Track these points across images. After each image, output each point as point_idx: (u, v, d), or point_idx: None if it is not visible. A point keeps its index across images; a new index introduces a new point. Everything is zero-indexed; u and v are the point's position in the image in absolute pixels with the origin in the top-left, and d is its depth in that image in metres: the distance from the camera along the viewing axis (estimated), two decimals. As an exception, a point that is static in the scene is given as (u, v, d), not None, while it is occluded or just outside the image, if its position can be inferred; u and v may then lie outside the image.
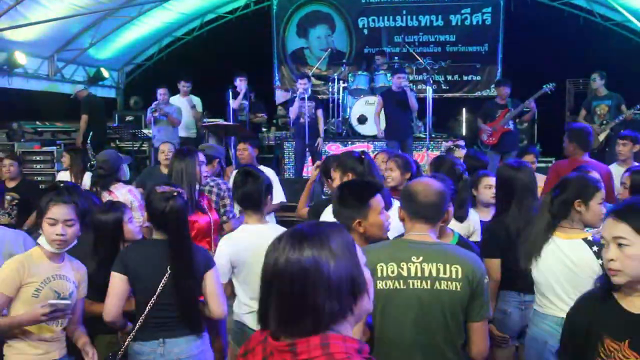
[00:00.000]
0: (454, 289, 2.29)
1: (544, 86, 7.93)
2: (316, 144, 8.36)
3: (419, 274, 2.30)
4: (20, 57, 9.30)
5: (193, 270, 2.80)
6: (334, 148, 9.21)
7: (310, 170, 8.08)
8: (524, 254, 2.88)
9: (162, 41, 12.81)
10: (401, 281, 2.31)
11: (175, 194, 2.90)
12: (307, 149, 8.46)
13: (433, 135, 9.18)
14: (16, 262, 2.69)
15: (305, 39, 12.67)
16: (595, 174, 3.56)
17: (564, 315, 2.24)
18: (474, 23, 11.86)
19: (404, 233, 2.52)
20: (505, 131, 8.06)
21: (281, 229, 2.43)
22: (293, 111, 8.42)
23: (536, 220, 2.89)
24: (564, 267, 2.76)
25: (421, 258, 2.32)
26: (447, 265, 2.31)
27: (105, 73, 11.64)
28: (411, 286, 2.30)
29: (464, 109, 11.82)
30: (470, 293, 2.31)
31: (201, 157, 4.06)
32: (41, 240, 2.75)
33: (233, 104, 8.64)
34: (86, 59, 11.28)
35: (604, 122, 8.12)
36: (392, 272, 2.32)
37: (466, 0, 11.82)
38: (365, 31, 12.33)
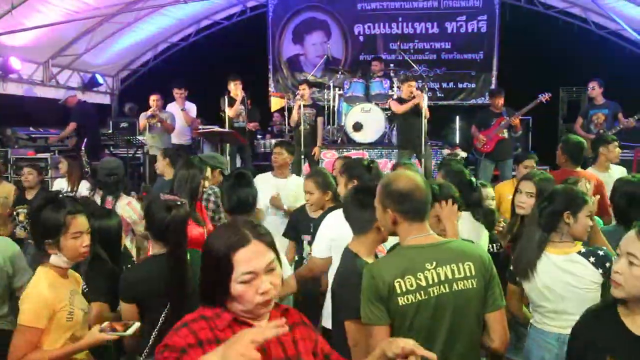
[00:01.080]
0: (470, 286, 2.28)
1: (539, 95, 7.96)
2: (312, 152, 8.34)
3: (436, 280, 2.25)
4: (15, 63, 9.26)
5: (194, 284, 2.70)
6: (329, 155, 9.17)
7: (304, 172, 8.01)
8: (522, 272, 2.83)
9: (158, 47, 12.80)
10: (422, 292, 2.24)
11: (178, 203, 2.86)
12: (302, 156, 8.45)
13: (428, 143, 9.16)
14: (42, 292, 2.53)
15: (300, 46, 12.68)
16: (584, 183, 3.57)
17: (563, 331, 2.23)
18: (470, 31, 11.90)
19: (401, 238, 2.41)
20: (500, 139, 8.08)
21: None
22: (293, 118, 8.40)
23: (527, 234, 2.86)
24: (564, 284, 2.72)
25: (434, 263, 2.27)
26: (460, 265, 2.29)
27: (99, 79, 11.60)
28: (432, 294, 2.25)
29: (457, 117, 11.83)
30: (485, 286, 2.31)
31: (208, 172, 3.99)
32: (55, 259, 2.62)
33: (229, 111, 8.46)
34: (81, 65, 11.25)
35: (600, 130, 8.13)
36: (411, 285, 2.24)
37: (462, 8, 11.86)
38: (361, 38, 12.36)
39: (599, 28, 11.18)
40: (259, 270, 1.65)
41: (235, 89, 8.67)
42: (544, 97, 7.91)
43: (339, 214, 3.30)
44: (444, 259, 2.29)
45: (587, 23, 11.24)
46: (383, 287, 2.23)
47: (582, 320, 2.15)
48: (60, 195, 2.94)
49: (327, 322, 3.15)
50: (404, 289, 2.24)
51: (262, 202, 4.53)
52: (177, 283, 2.69)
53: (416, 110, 8.12)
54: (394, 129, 9.14)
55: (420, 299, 2.24)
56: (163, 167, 5.58)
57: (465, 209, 3.30)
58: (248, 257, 1.64)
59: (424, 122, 8.11)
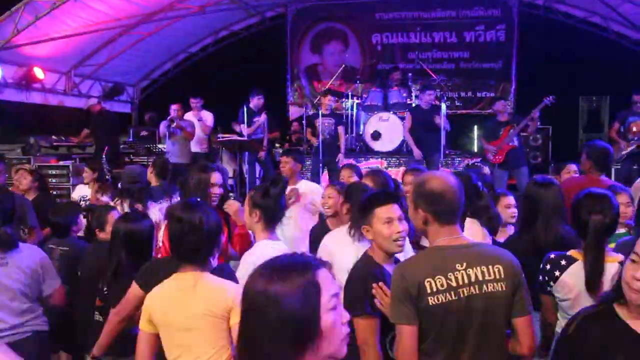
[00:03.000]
0: (500, 289, 2.27)
1: (545, 99, 7.90)
2: (337, 159, 8.38)
3: (466, 281, 2.25)
4: (38, 72, 9.43)
5: None
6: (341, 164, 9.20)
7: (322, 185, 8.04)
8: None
9: (177, 57, 12.94)
10: (452, 292, 2.23)
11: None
12: (321, 165, 8.47)
13: (447, 152, 9.14)
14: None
15: (319, 55, 12.74)
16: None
17: None
18: (488, 40, 11.87)
19: (431, 239, 2.40)
20: (511, 148, 8.00)
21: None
22: (315, 135, 8.49)
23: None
24: None
25: (465, 264, 2.26)
26: (490, 267, 2.28)
27: (120, 88, 11.77)
28: (462, 295, 2.24)
29: (475, 127, 11.79)
30: (514, 289, 2.29)
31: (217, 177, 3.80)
32: None
33: (246, 129, 8.62)
34: (102, 75, 11.41)
35: (636, 138, 7.98)
36: (442, 285, 2.23)
37: (480, 17, 11.84)
38: (379, 47, 12.39)
39: (620, 37, 11.09)
40: (338, 292, 1.40)
41: (258, 102, 8.80)
42: (549, 100, 7.85)
43: (335, 235, 3.40)
44: (474, 260, 2.28)
45: (608, 32, 11.14)
46: (413, 287, 2.23)
47: (581, 323, 2.07)
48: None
49: None
50: (434, 289, 2.23)
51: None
52: None
53: (422, 119, 8.13)
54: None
55: (450, 299, 2.23)
56: (149, 176, 5.55)
57: (470, 215, 3.30)
58: (327, 276, 1.39)
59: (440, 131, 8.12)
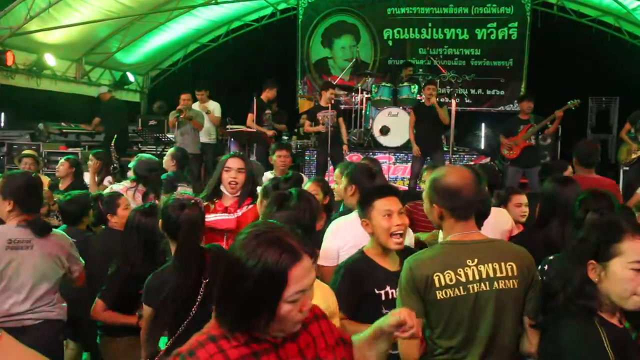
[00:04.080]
0: (511, 287, 2.26)
1: (569, 102, 7.86)
2: (345, 152, 8.38)
3: (477, 277, 2.24)
4: (50, 59, 9.45)
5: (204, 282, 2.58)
6: (354, 158, 9.18)
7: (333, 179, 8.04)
8: None
9: (188, 47, 12.94)
10: (461, 287, 2.23)
11: (192, 202, 2.78)
12: (328, 158, 8.46)
13: (455, 149, 9.12)
14: None
15: (329, 49, 12.71)
16: None
17: None
18: (500, 38, 11.80)
19: (445, 234, 2.40)
20: (527, 145, 7.98)
21: None
22: (317, 128, 8.47)
23: None
24: None
25: (476, 260, 2.26)
26: (502, 264, 2.27)
27: (130, 77, 11.78)
28: (471, 290, 2.24)
29: (483, 124, 11.75)
30: (525, 288, 2.29)
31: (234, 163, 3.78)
32: None
33: (250, 122, 8.67)
34: (113, 63, 11.44)
35: None
36: (451, 280, 2.24)
37: (492, 15, 11.77)
38: (390, 43, 12.34)
39: (633, 37, 11.01)
40: (308, 287, 1.51)
41: (268, 95, 8.83)
42: (573, 104, 7.81)
43: (342, 221, 3.35)
44: (486, 257, 2.27)
45: (621, 32, 11.07)
46: (420, 281, 2.24)
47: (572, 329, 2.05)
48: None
49: None
50: (442, 283, 2.23)
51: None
52: (184, 289, 2.55)
53: (426, 115, 8.11)
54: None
55: (458, 294, 2.23)
56: (168, 166, 5.63)
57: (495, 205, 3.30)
58: (302, 275, 1.48)
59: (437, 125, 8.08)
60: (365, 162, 4.11)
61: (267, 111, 8.88)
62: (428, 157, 8.22)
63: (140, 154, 5.63)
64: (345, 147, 8.42)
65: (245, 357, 1.51)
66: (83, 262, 3.40)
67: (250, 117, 8.72)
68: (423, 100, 8.76)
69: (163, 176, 4.82)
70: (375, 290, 2.59)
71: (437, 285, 2.23)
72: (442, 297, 2.23)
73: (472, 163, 8.84)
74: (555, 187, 3.25)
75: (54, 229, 3.27)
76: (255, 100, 8.66)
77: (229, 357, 1.49)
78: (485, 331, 2.26)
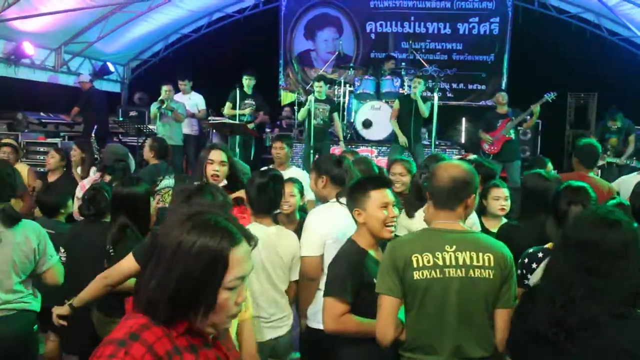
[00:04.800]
0: (487, 276, 2.34)
1: (545, 95, 7.96)
2: (335, 148, 8.41)
3: (454, 263, 2.33)
4: (28, 48, 9.30)
5: None
6: (338, 151, 9.20)
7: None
8: None
9: (169, 38, 12.82)
10: (437, 270, 2.33)
11: None
12: (311, 151, 8.46)
13: (437, 143, 9.18)
14: None
15: (312, 41, 12.69)
16: None
17: None
18: (482, 32, 11.88)
19: (431, 222, 2.52)
20: (507, 140, 8.07)
21: None
22: (301, 115, 8.46)
23: None
24: None
25: (454, 247, 2.35)
26: (480, 254, 2.35)
27: (111, 67, 11.64)
28: (447, 275, 2.33)
29: (464, 119, 11.84)
30: (501, 280, 2.36)
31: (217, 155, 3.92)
32: None
33: (227, 110, 8.78)
34: (93, 53, 11.28)
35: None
36: (428, 261, 2.34)
37: (474, 10, 11.83)
38: (373, 36, 12.36)
39: (612, 34, 11.15)
40: (247, 274, 1.44)
41: (248, 84, 8.79)
42: (550, 97, 7.93)
43: (323, 210, 3.34)
44: (464, 245, 2.37)
45: (600, 29, 11.20)
46: (400, 260, 2.36)
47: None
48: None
49: (312, 322, 3.16)
50: (420, 264, 2.34)
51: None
52: None
53: (409, 108, 8.15)
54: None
55: (434, 276, 2.33)
56: (147, 156, 5.64)
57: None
58: (242, 258, 1.41)
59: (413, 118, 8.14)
60: (331, 154, 4.06)
61: (247, 101, 8.86)
62: (406, 151, 8.25)
63: (109, 144, 5.60)
64: (341, 144, 8.48)
65: (188, 349, 1.41)
66: (57, 257, 3.29)
67: (229, 106, 8.73)
68: (409, 93, 8.79)
69: (150, 168, 4.82)
70: (374, 279, 2.63)
71: (415, 265, 2.34)
72: (418, 277, 2.33)
73: (457, 158, 8.91)
74: (542, 182, 3.31)
75: (24, 220, 3.20)
76: (238, 91, 8.66)
77: (176, 345, 1.38)
78: (457, 316, 2.34)
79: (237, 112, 8.77)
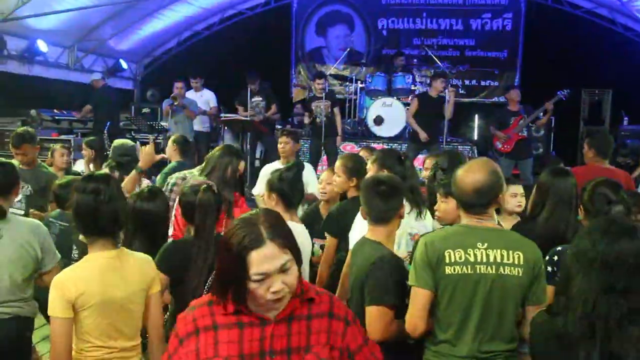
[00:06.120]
0: (516, 274, 2.37)
1: (558, 92, 7.90)
2: (336, 143, 8.39)
3: (484, 260, 2.37)
4: (42, 45, 9.37)
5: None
6: (348, 148, 9.20)
7: (323, 168, 8.05)
8: None
9: (182, 35, 12.86)
10: (468, 266, 2.37)
11: (205, 186, 2.92)
12: (322, 148, 8.47)
13: (449, 140, 9.14)
14: None
15: (323, 38, 12.68)
16: None
17: None
18: (494, 28, 11.81)
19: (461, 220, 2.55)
20: (520, 138, 8.01)
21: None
22: (308, 113, 8.46)
23: None
24: None
25: (486, 244, 2.39)
26: (510, 252, 2.38)
27: (123, 64, 11.71)
28: (478, 271, 2.37)
29: (476, 115, 11.78)
30: (531, 278, 2.39)
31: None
32: None
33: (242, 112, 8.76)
34: (106, 50, 11.35)
35: None
36: (460, 258, 2.38)
37: (487, 5, 11.77)
38: (384, 32, 12.33)
39: (627, 30, 11.03)
40: (271, 271, 1.62)
41: (253, 86, 8.88)
42: (563, 94, 7.87)
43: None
44: (495, 243, 2.40)
45: (615, 24, 11.08)
46: (433, 255, 2.39)
47: None
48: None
49: None
50: (452, 260, 2.39)
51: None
52: (201, 267, 2.77)
53: (436, 108, 8.12)
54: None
55: (465, 272, 2.37)
56: (170, 153, 5.66)
57: None
58: (260, 260, 1.61)
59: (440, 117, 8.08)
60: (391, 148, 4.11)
61: (255, 99, 8.87)
62: (425, 149, 8.22)
63: (116, 140, 5.61)
64: (339, 138, 8.42)
65: (230, 325, 1.69)
66: (59, 256, 3.14)
67: (240, 109, 8.77)
68: (426, 90, 8.75)
69: (171, 166, 4.87)
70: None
71: (447, 261, 2.39)
72: (450, 272, 2.38)
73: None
74: (549, 179, 3.26)
75: (24, 218, 3.12)
76: (250, 90, 8.70)
77: (216, 322, 1.70)
78: (485, 311, 2.38)
79: (248, 113, 8.77)
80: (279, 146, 5.55)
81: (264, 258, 1.61)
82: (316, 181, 5.22)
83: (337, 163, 3.94)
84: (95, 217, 2.40)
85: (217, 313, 1.71)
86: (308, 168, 5.47)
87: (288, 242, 1.67)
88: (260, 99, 8.96)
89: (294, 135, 5.62)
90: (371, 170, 3.55)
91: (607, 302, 1.82)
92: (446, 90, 8.25)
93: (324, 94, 8.33)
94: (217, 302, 1.72)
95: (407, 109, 8.91)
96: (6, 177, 3.11)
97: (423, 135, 8.13)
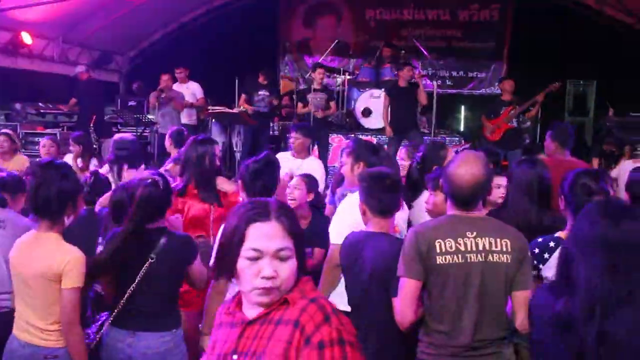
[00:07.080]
0: (505, 261, 2.43)
1: (550, 85, 7.94)
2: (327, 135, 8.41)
3: (474, 248, 2.43)
4: (26, 37, 9.25)
5: (164, 262, 2.76)
6: (337, 140, 9.20)
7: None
8: None
9: (168, 27, 12.74)
10: (459, 255, 2.42)
11: (148, 181, 2.82)
12: (316, 141, 8.45)
13: (436, 131, 9.16)
14: None
15: (311, 29, 12.63)
16: None
17: None
18: (482, 19, 11.83)
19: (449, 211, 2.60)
20: (509, 128, 8.04)
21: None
22: (301, 109, 8.44)
23: None
24: None
25: (475, 233, 2.45)
26: (498, 239, 2.44)
27: (109, 57, 11.60)
28: (468, 260, 2.42)
29: (463, 107, 11.80)
30: (518, 264, 2.45)
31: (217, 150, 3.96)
32: None
33: (246, 107, 8.70)
34: (91, 42, 11.22)
35: None
36: (451, 247, 2.43)
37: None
38: (372, 23, 12.29)
39: (613, 21, 11.06)
40: (266, 251, 1.53)
41: (262, 79, 8.83)
42: (554, 86, 7.91)
43: (356, 198, 3.26)
44: (483, 231, 2.46)
45: (601, 15, 11.11)
46: (423, 245, 2.44)
47: None
48: None
49: (339, 305, 3.14)
50: (443, 249, 2.43)
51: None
52: (120, 260, 2.75)
53: (407, 97, 8.13)
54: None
55: (457, 261, 2.43)
56: (169, 147, 5.65)
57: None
58: (260, 234, 1.54)
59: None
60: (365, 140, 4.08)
61: (261, 92, 8.82)
62: (405, 139, 8.23)
63: (117, 134, 5.60)
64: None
65: (226, 324, 1.66)
66: None
67: (243, 98, 8.69)
68: (392, 78, 8.77)
69: None
70: None
71: (438, 250, 2.43)
72: (441, 262, 2.43)
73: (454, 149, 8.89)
74: (514, 170, 3.37)
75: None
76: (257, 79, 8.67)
77: (220, 320, 1.71)
78: (477, 299, 2.42)
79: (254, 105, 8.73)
80: (290, 140, 5.51)
81: (262, 234, 1.54)
82: (323, 173, 5.26)
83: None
84: (31, 199, 2.70)
85: (224, 312, 1.72)
86: (314, 162, 5.46)
87: (294, 229, 1.59)
88: (268, 93, 8.90)
89: (305, 130, 5.58)
90: (347, 162, 3.55)
91: (611, 283, 1.77)
92: (414, 77, 8.27)
93: (321, 86, 8.35)
94: (233, 299, 1.71)
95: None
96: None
97: (388, 131, 8.26)
